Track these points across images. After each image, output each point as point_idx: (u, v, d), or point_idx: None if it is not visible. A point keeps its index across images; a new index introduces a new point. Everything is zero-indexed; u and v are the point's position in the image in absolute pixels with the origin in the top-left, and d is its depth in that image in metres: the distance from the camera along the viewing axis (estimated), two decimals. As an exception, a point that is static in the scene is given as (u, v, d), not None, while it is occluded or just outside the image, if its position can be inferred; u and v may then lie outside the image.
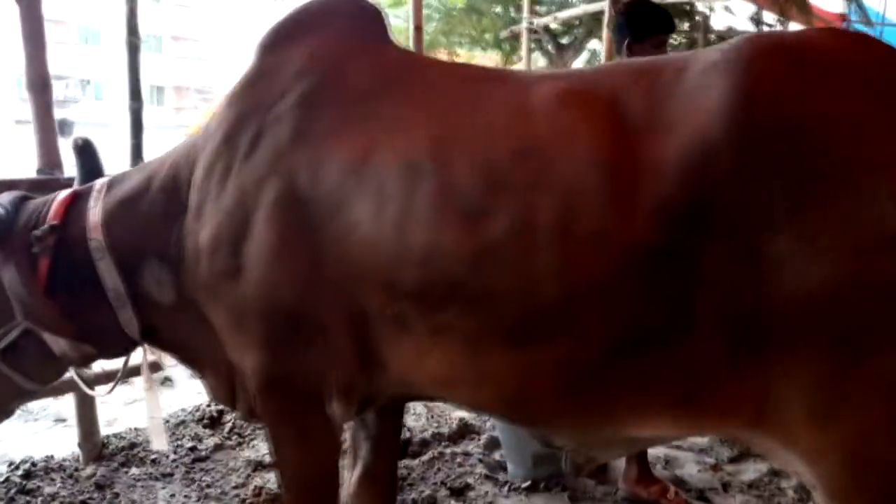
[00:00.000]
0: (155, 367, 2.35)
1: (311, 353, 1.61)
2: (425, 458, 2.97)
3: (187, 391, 3.73)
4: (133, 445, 2.96)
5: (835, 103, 1.19)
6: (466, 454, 3.01)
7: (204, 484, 2.72)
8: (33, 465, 2.74)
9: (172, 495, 2.64)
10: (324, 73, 1.68)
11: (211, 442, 3.04)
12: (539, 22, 6.04)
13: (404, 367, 1.58)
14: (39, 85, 2.54)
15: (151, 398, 2.07)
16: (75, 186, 2.12)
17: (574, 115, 1.36)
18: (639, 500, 2.73)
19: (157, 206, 1.82)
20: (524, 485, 2.83)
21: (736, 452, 3.24)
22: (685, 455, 3.17)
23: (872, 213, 1.14)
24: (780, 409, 1.26)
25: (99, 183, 1.94)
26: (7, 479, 2.64)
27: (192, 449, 2.97)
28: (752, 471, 3.10)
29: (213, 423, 3.26)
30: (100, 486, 2.65)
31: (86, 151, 2.13)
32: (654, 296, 1.27)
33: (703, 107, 1.25)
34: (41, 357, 1.96)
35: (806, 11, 6.63)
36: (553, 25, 6.62)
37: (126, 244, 1.82)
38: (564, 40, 7.99)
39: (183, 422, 3.21)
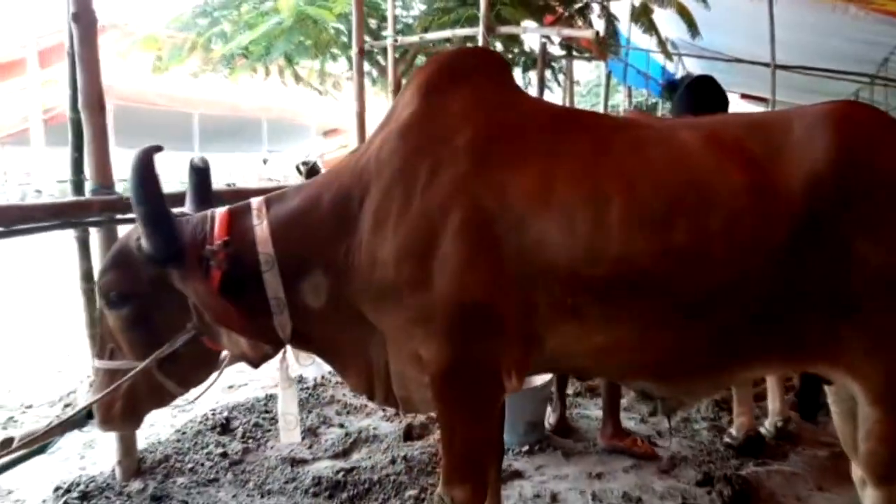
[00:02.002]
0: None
1: (490, 339, 2.00)
2: (431, 439, 3.39)
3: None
4: (167, 458, 3.01)
5: (890, 154, 1.90)
6: (465, 431, 3.46)
7: (257, 482, 2.90)
8: (85, 486, 2.71)
9: (234, 496, 2.80)
10: (489, 114, 2.08)
11: (236, 446, 3.18)
12: (404, 40, 6.52)
13: (565, 345, 2.04)
14: (96, 105, 2.55)
15: (288, 396, 2.29)
16: (188, 202, 2.27)
17: (719, 155, 1.94)
18: (616, 449, 3.41)
19: (325, 222, 2.09)
20: (523, 449, 3.38)
21: (651, 408, 4.04)
22: (618, 414, 3.90)
23: None
24: (848, 350, 1.93)
25: (256, 202, 2.15)
26: (66, 503, 2.60)
27: (223, 455, 3.09)
28: (668, 423, 3.92)
29: (225, 429, 3.38)
30: (157, 499, 2.72)
31: (202, 171, 2.30)
32: (782, 279, 1.89)
33: (814, 152, 1.89)
34: (197, 363, 2.14)
35: (603, 45, 7.77)
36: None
37: (290, 256, 2.07)
38: (397, 54, 8.53)
39: (199, 432, 3.29)
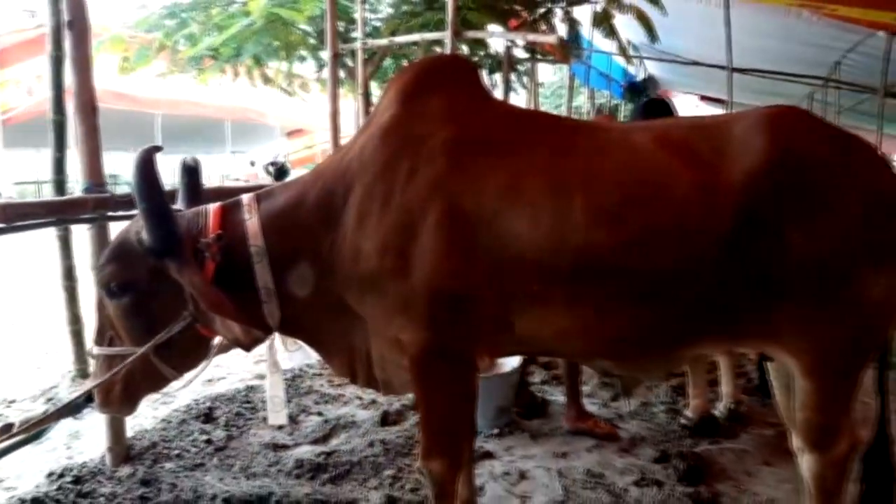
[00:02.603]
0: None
1: (465, 324, 2.19)
2: (406, 424, 3.57)
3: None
4: (154, 445, 3.15)
5: (822, 152, 2.14)
6: (438, 416, 3.65)
7: (241, 466, 3.05)
8: (78, 471, 2.84)
9: (221, 479, 2.94)
10: (463, 118, 2.27)
11: (220, 434, 3.33)
12: (373, 43, 6.67)
13: (531, 328, 2.23)
14: (88, 108, 2.67)
15: (275, 380, 2.46)
16: (180, 200, 2.42)
17: (670, 154, 2.15)
18: (580, 431, 3.63)
19: (311, 218, 2.25)
20: (493, 432, 3.58)
21: (612, 394, 4.30)
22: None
23: (838, 218, 2.09)
24: (781, 328, 2.16)
25: (246, 198, 2.31)
26: (60, 487, 2.73)
27: (208, 441, 3.24)
28: (628, 405, 4.16)
29: (208, 418, 3.52)
30: (147, 482, 2.85)
31: (194, 170, 2.45)
32: (726, 266, 2.10)
33: (750, 152, 2.10)
34: (191, 349, 2.30)
35: (566, 50, 7.98)
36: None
37: (279, 248, 2.24)
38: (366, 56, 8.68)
39: (184, 420, 3.43)
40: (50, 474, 2.86)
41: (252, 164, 19.34)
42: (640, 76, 21.36)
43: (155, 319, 2.20)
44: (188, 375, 2.37)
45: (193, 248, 2.18)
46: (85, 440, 3.41)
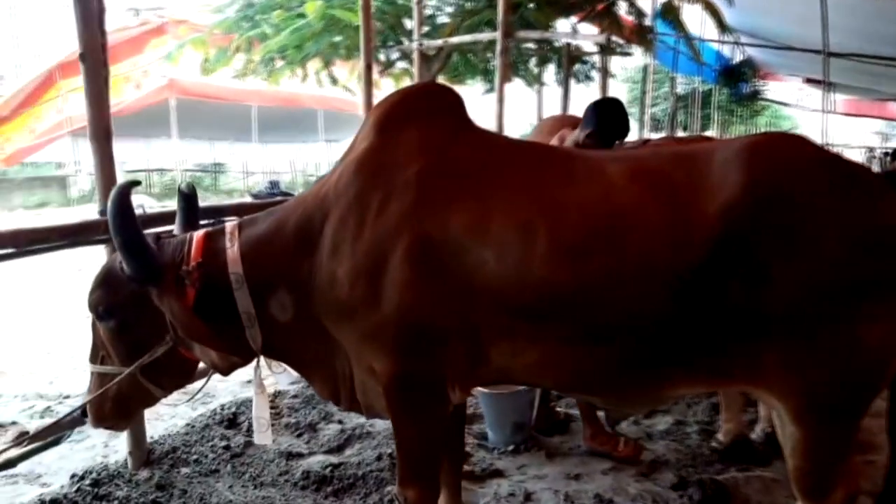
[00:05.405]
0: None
1: (434, 355, 2.19)
2: (423, 436, 3.59)
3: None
4: (174, 449, 3.32)
5: (807, 183, 2.00)
6: (456, 430, 3.66)
7: (253, 474, 3.17)
8: (98, 473, 3.03)
9: (230, 486, 3.07)
10: (437, 150, 2.25)
11: (239, 440, 3.47)
12: (428, 44, 6.70)
13: (504, 361, 2.21)
14: (103, 137, 2.83)
15: (261, 400, 2.53)
16: (177, 225, 2.52)
17: (643, 188, 2.07)
18: (597, 451, 3.55)
19: (290, 245, 2.30)
20: (509, 448, 3.56)
21: (647, 410, 4.17)
22: (613, 415, 4.03)
23: (824, 253, 1.95)
24: (765, 369, 2.03)
25: (229, 226, 2.38)
26: (79, 489, 2.93)
27: (226, 448, 3.38)
28: (662, 423, 4.04)
29: (231, 423, 3.68)
30: (162, 487, 3.01)
31: (190, 196, 2.55)
32: (701, 303, 2.00)
33: (729, 185, 1.99)
34: (176, 370, 2.42)
35: (619, 26, 7.69)
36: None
37: (259, 275, 2.30)
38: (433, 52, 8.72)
39: (207, 425, 3.59)
40: (73, 476, 3.06)
41: None
42: (737, 59, 20.39)
43: (140, 342, 2.32)
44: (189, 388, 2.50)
45: (175, 276, 2.27)
46: (122, 438, 3.61)
